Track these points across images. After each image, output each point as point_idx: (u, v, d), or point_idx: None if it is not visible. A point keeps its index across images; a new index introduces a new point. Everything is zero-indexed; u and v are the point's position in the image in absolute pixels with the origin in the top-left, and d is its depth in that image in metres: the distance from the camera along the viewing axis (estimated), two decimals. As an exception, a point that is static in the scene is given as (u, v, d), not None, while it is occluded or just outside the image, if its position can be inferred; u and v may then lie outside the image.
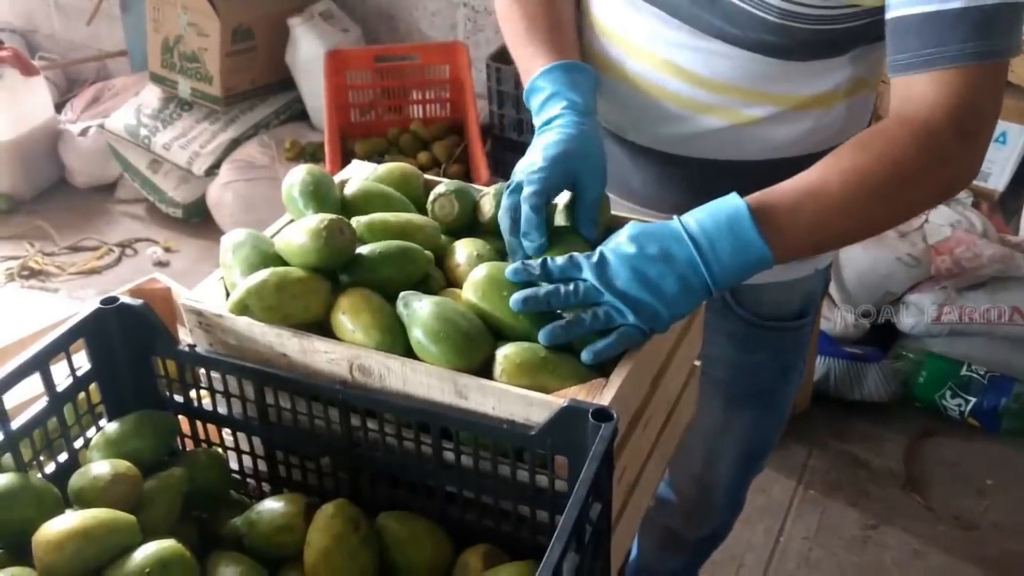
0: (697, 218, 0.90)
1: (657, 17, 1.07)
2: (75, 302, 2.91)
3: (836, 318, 2.51)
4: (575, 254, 0.90)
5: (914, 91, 0.93)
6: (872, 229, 0.99)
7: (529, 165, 0.98)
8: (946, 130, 0.91)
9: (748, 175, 1.08)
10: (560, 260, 0.90)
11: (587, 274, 0.88)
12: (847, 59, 1.06)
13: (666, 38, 1.08)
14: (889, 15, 0.95)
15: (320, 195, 1.04)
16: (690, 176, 1.12)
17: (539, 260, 0.91)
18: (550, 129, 1.01)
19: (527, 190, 0.95)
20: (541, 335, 0.88)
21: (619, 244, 0.90)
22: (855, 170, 0.92)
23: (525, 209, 0.95)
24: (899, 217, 0.98)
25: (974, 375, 2.40)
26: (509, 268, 0.91)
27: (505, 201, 0.98)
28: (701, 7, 1.03)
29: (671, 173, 1.15)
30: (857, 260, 2.44)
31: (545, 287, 0.89)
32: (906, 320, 2.46)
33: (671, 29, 1.07)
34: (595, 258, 0.89)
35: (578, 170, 0.98)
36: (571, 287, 0.88)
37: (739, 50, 1.04)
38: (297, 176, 1.05)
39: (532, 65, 1.08)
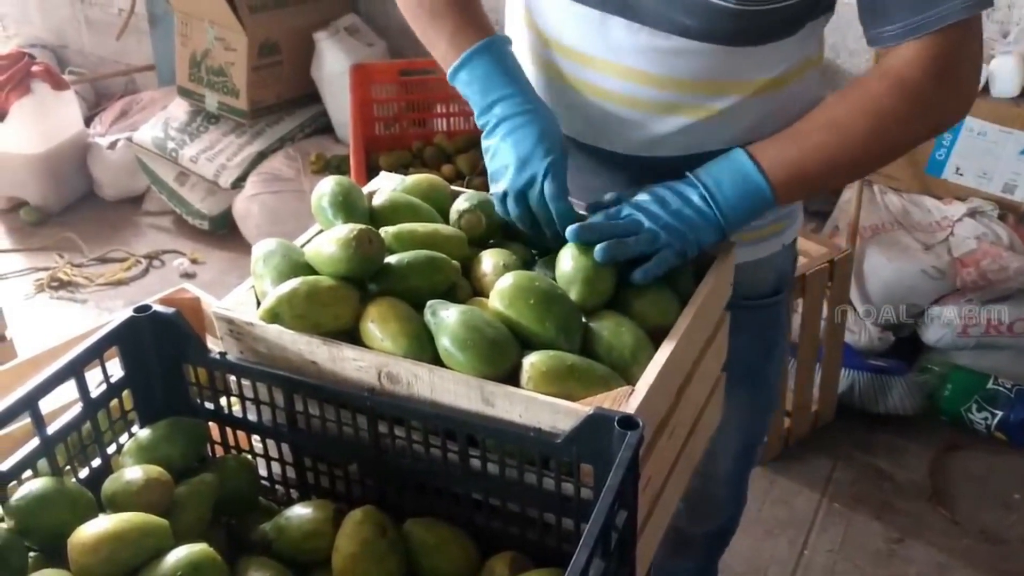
0: (706, 167, 1.07)
1: (618, 26, 1.08)
2: (103, 313, 2.95)
3: (860, 331, 2.50)
4: (622, 203, 1.07)
5: (896, 51, 1.02)
6: (860, 171, 1.15)
7: (532, 167, 1.05)
8: (923, 80, 1.01)
9: None
10: (611, 210, 1.07)
11: (629, 211, 1.05)
12: (797, 39, 1.10)
13: (629, 45, 1.09)
14: None
15: (349, 206, 1.05)
16: (663, 175, 1.13)
17: (596, 219, 1.05)
18: (520, 122, 1.07)
19: (551, 189, 1.04)
20: (597, 252, 1.00)
21: (650, 190, 1.07)
22: (834, 121, 1.05)
23: (560, 207, 1.05)
24: (886, 156, 1.11)
25: (1000, 388, 2.38)
26: (570, 231, 1.02)
27: (535, 203, 1.06)
28: (663, 5, 1.04)
29: (644, 175, 1.16)
30: (882, 272, 2.43)
31: (600, 221, 1.05)
32: (931, 333, 2.44)
33: (632, 34, 1.08)
34: (636, 200, 1.06)
35: (565, 155, 1.08)
36: (621, 221, 1.04)
37: (702, 44, 1.06)
38: (326, 187, 1.07)
39: (456, 40, 1.12)
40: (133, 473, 0.91)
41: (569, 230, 1.02)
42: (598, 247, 1.00)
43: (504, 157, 1.07)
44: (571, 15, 1.10)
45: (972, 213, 2.44)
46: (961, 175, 2.47)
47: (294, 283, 0.94)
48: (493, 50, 1.10)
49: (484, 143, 1.10)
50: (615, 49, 1.10)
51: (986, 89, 2.38)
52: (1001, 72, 2.34)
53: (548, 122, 1.07)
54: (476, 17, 1.14)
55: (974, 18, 0.99)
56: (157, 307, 0.98)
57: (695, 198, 1.05)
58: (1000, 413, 2.37)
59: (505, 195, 1.07)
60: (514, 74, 1.10)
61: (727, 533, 1.67)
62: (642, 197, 1.06)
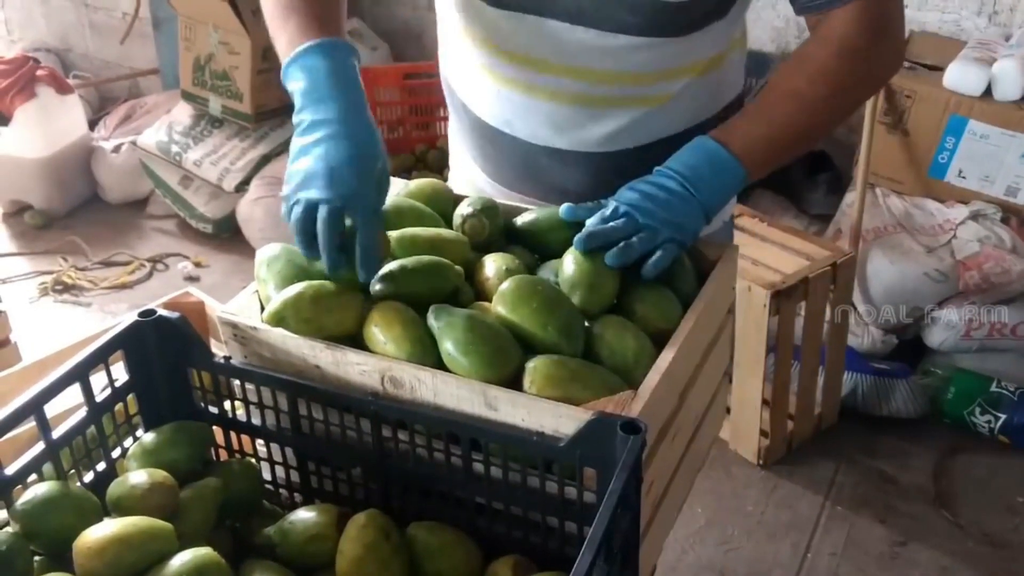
0: (675, 157, 1.08)
1: (563, 29, 1.09)
2: (107, 316, 2.95)
3: (863, 334, 2.50)
4: (614, 204, 1.06)
5: (832, 17, 1.06)
6: (821, 135, 1.21)
7: (339, 183, 0.94)
8: (864, 41, 1.06)
9: (673, 149, 1.11)
10: (607, 212, 1.05)
11: (622, 210, 1.05)
12: (728, 20, 1.13)
13: (575, 47, 1.10)
14: None
15: (352, 210, 1.05)
16: (624, 166, 1.14)
17: (599, 220, 1.04)
18: (337, 130, 0.96)
19: (361, 217, 0.94)
20: (608, 258, 1.00)
21: (633, 187, 1.07)
22: (795, 94, 1.09)
23: (370, 245, 0.95)
24: (842, 118, 1.19)
25: (1004, 391, 2.38)
26: (577, 240, 1.01)
27: (324, 219, 0.94)
28: (605, 7, 1.06)
29: (604, 168, 1.17)
30: (884, 275, 2.43)
31: (603, 226, 1.03)
32: (934, 336, 2.44)
33: (578, 36, 1.09)
34: (626, 200, 1.06)
35: (380, 176, 0.97)
36: (618, 222, 1.03)
37: (646, 38, 1.08)
38: (330, 191, 1.07)
39: (297, 38, 1.02)
40: (138, 477, 0.91)
41: (576, 239, 1.01)
42: (608, 254, 1.00)
43: (309, 162, 0.95)
44: (514, 23, 1.11)
45: (975, 216, 2.44)
46: (964, 178, 2.47)
47: (299, 287, 0.94)
48: (329, 50, 1.00)
49: (294, 141, 0.99)
50: (562, 52, 1.11)
51: (989, 92, 2.38)
52: (1004, 75, 2.34)
53: (366, 139, 0.96)
54: (326, 19, 1.04)
55: None
56: (162, 311, 0.98)
57: (677, 187, 1.06)
58: (1003, 416, 2.36)
59: (298, 203, 0.96)
60: (345, 78, 0.99)
61: None
62: (628, 195, 1.07)
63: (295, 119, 0.99)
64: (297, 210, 0.96)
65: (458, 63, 1.22)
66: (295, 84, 1.00)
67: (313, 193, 0.94)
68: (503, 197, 1.22)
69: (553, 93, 1.13)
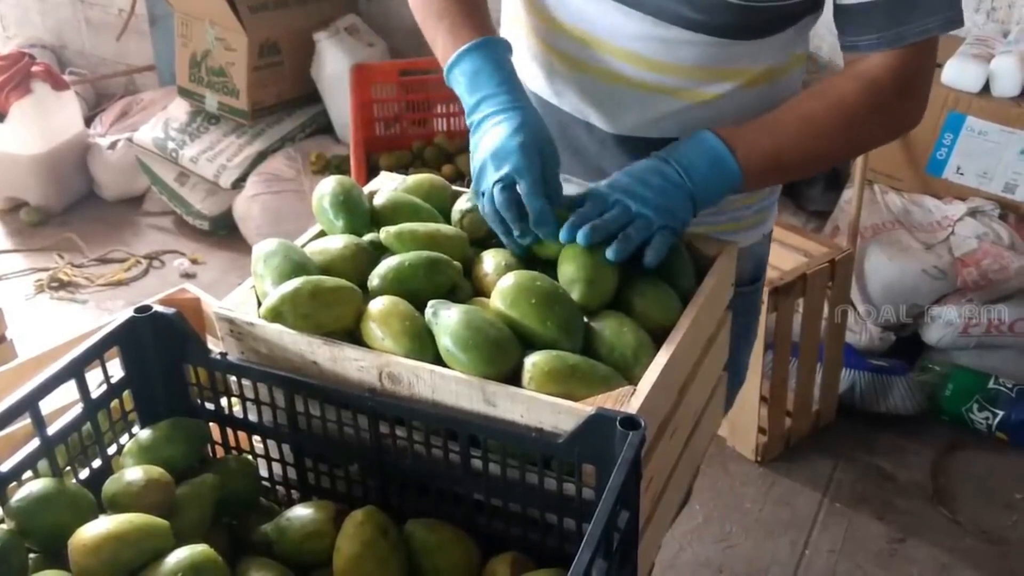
0: (675, 146, 1.07)
1: (620, 12, 1.10)
2: (103, 313, 2.95)
3: (861, 331, 2.50)
4: (605, 190, 1.05)
5: (869, 57, 1.07)
6: (824, 164, 1.22)
7: (504, 160, 1.01)
8: (890, 88, 1.07)
9: None
10: (600, 199, 1.04)
11: (615, 197, 1.04)
12: (790, 34, 1.13)
13: (630, 32, 1.11)
14: (845, 1, 1.05)
15: (350, 206, 1.05)
16: None
17: (593, 211, 1.02)
18: (501, 118, 1.05)
19: (525, 186, 1.00)
20: (609, 253, 0.99)
21: (629, 172, 1.06)
22: (809, 117, 1.09)
23: (538, 204, 1.00)
24: (849, 154, 1.21)
25: (1001, 388, 2.38)
26: (581, 234, 0.99)
27: (498, 198, 1.01)
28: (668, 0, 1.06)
29: (641, 154, 1.17)
30: (883, 272, 2.43)
31: (600, 221, 1.01)
32: (932, 333, 2.44)
33: (634, 22, 1.10)
34: (619, 186, 1.05)
35: (544, 150, 1.04)
36: (612, 213, 1.02)
37: (702, 35, 1.09)
38: (327, 187, 1.07)
39: (452, 40, 1.11)
40: (134, 474, 0.91)
41: (579, 234, 1.00)
42: (609, 249, 0.99)
43: (481, 153, 1.04)
44: (580, 1, 1.12)
45: (973, 212, 2.43)
46: (962, 175, 2.47)
47: (296, 282, 0.94)
48: (487, 49, 1.09)
49: (471, 142, 1.08)
50: (614, 32, 1.12)
51: (987, 89, 2.38)
52: (1002, 72, 2.34)
53: (530, 119, 1.04)
54: (476, 18, 1.14)
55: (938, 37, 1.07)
56: (158, 307, 0.98)
57: (672, 174, 1.05)
58: (1001, 413, 2.37)
59: (482, 192, 1.05)
60: (504, 74, 1.08)
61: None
62: (621, 180, 1.06)
63: (467, 119, 1.08)
64: (482, 202, 1.04)
65: (517, 32, 1.24)
66: (458, 87, 1.10)
67: (482, 183, 1.03)
68: None
69: (599, 70, 1.15)
